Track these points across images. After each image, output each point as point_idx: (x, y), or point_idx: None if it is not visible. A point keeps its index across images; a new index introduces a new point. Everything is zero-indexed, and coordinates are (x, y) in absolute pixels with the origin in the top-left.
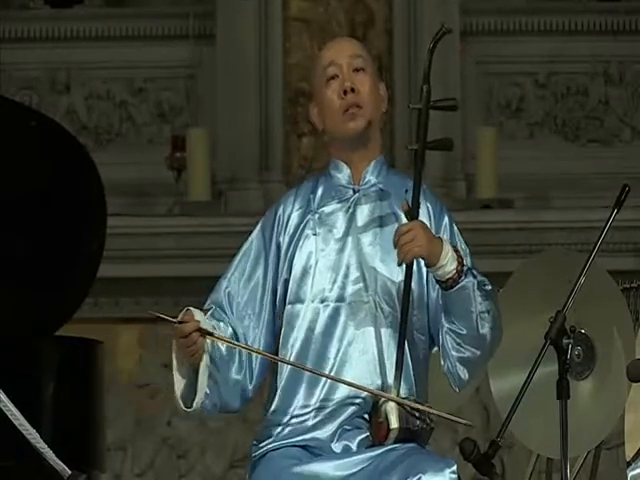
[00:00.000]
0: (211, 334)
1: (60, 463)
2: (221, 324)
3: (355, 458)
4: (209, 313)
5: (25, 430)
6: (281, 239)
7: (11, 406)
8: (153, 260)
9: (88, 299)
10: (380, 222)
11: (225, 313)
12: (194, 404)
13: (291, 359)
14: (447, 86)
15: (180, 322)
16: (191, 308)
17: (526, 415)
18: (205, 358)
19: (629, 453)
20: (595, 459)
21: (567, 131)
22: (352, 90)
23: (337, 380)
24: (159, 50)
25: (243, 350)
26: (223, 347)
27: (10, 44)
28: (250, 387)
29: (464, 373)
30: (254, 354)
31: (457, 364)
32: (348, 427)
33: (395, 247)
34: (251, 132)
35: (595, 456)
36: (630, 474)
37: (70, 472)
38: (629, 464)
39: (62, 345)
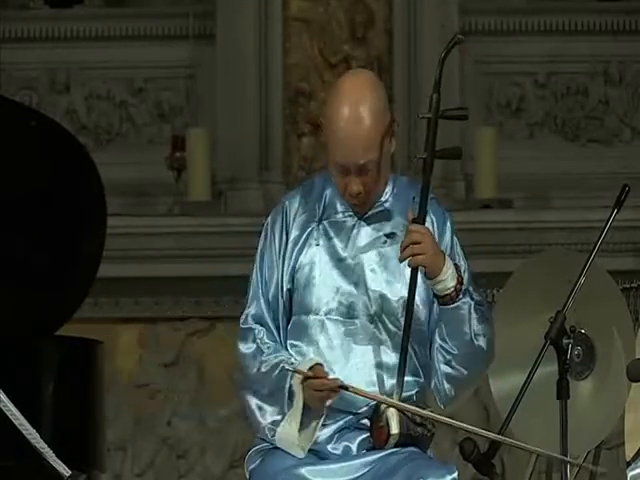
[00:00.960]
0: (346, 388)
1: (60, 463)
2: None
3: (356, 462)
4: (259, 337)
5: (25, 430)
6: (288, 238)
7: (11, 406)
8: (153, 260)
9: (88, 299)
10: (385, 238)
11: (269, 329)
12: (305, 450)
13: None
14: (447, 86)
15: (313, 377)
16: (321, 363)
17: (526, 415)
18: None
19: (629, 453)
20: (595, 459)
21: (567, 131)
22: (359, 193)
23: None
24: (159, 50)
25: None
26: None
27: (10, 44)
28: None
29: (450, 391)
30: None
31: (444, 381)
32: (349, 428)
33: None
34: (251, 132)
35: (595, 456)
36: (630, 474)
37: (70, 472)
38: (629, 464)
39: (62, 345)
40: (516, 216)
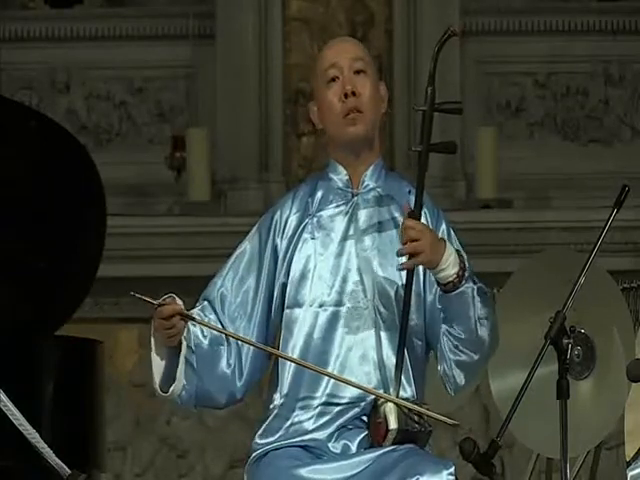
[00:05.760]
0: (192, 318)
1: (60, 463)
2: (211, 318)
3: (354, 460)
4: (198, 308)
5: (25, 430)
6: (278, 243)
7: (11, 406)
8: (153, 260)
9: (88, 299)
10: (378, 226)
11: (216, 312)
12: (170, 390)
13: (291, 366)
14: (447, 86)
15: (160, 304)
16: (173, 294)
17: (526, 415)
18: (184, 346)
19: (629, 453)
20: (595, 459)
21: (567, 131)
22: (353, 93)
23: (335, 378)
24: (159, 50)
25: (233, 347)
26: (206, 340)
27: (10, 44)
28: (239, 385)
29: (460, 377)
30: (246, 345)
31: (454, 367)
32: (349, 427)
33: (400, 240)
34: (251, 132)
35: (595, 456)
36: (630, 474)
37: (70, 472)
38: (629, 464)
39: (62, 345)
40: (516, 216)
